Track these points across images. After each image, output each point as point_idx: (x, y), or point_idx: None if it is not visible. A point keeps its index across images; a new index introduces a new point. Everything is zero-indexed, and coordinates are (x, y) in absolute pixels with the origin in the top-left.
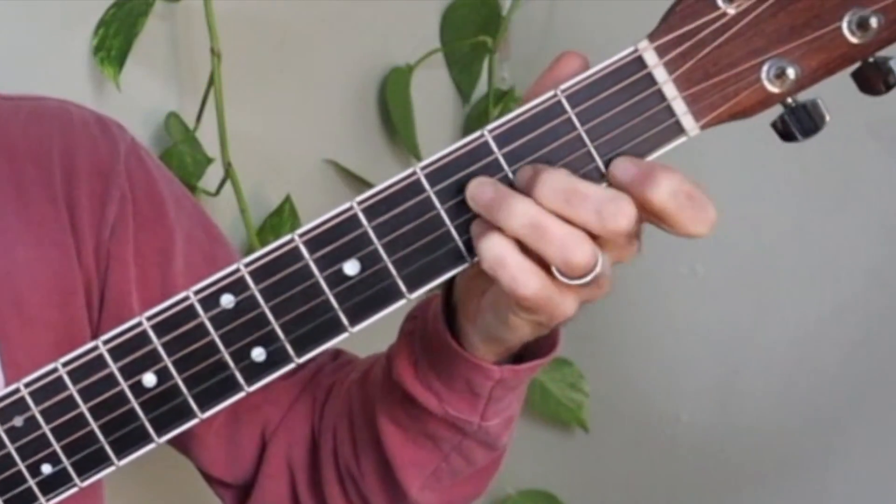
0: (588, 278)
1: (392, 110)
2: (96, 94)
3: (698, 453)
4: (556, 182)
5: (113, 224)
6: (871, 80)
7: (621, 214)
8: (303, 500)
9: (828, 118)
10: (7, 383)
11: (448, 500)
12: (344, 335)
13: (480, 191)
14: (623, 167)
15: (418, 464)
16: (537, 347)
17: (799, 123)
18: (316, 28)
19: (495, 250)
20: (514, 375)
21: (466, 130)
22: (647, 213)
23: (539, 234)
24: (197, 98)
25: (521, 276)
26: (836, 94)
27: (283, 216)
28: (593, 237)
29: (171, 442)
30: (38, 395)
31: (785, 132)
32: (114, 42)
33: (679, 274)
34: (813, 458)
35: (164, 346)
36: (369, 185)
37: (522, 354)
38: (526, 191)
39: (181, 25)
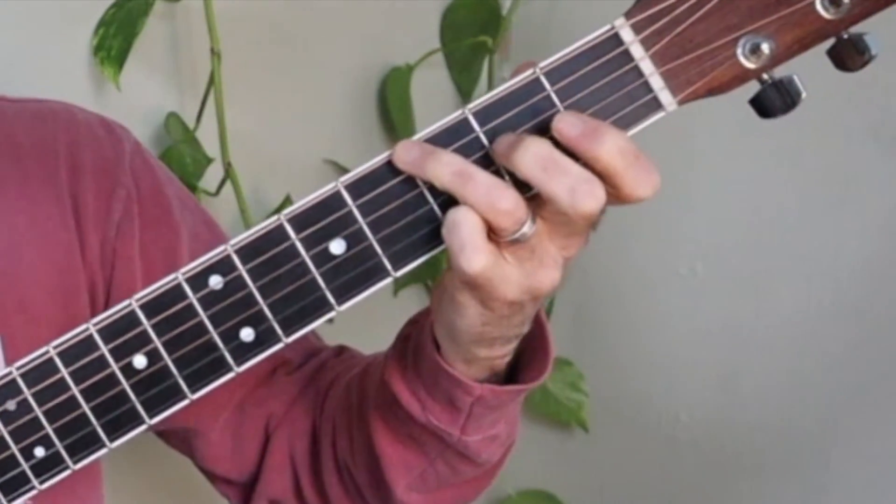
0: (516, 235)
1: (392, 110)
2: (96, 94)
3: (698, 453)
4: (537, 149)
5: (118, 222)
6: (846, 57)
7: (592, 196)
8: (306, 492)
9: (804, 94)
10: None
11: (434, 502)
12: (331, 314)
13: (406, 150)
14: (570, 121)
15: (405, 464)
16: (525, 375)
17: (775, 99)
18: (316, 28)
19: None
20: (493, 395)
21: None
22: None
23: (464, 181)
24: (197, 98)
25: (472, 242)
26: (836, 94)
27: None
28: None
29: (174, 443)
30: (31, 379)
31: (762, 108)
32: (114, 42)
33: (679, 274)
34: (813, 458)
35: (154, 327)
36: None
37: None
38: (506, 155)
39: (181, 25)
